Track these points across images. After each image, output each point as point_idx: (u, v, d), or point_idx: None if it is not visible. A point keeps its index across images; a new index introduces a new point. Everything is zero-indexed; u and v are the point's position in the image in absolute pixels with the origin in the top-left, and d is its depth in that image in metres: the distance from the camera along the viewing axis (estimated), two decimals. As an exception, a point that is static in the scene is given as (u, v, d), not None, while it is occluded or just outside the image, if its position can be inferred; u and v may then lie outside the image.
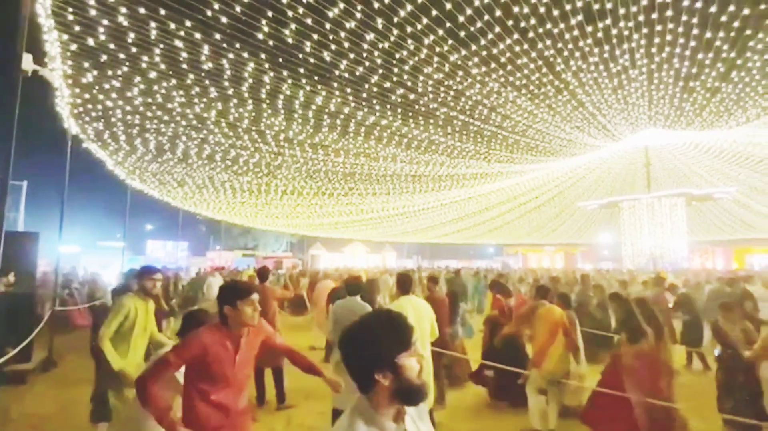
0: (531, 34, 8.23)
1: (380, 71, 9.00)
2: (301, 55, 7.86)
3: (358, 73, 8.85)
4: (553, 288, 5.14)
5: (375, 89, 9.72)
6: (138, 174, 13.50)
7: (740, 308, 3.71)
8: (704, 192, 17.16)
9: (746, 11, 7.40)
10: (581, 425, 3.80)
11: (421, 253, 48.55)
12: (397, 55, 8.46)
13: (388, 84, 9.61)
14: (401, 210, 24.97)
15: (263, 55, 7.58)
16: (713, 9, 7.39)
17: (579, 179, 20.05)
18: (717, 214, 21.41)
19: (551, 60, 9.28)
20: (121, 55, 6.85)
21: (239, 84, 8.44)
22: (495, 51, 8.72)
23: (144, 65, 7.21)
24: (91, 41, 6.30)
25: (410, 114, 11.72)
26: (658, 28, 7.97)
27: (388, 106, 10.93)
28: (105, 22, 6.14)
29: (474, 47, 8.48)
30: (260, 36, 6.98)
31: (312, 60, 8.03)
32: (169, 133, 10.66)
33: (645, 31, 8.13)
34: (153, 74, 7.45)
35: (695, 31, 7.92)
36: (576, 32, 8.25)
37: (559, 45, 8.69)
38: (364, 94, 9.87)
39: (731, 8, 7.31)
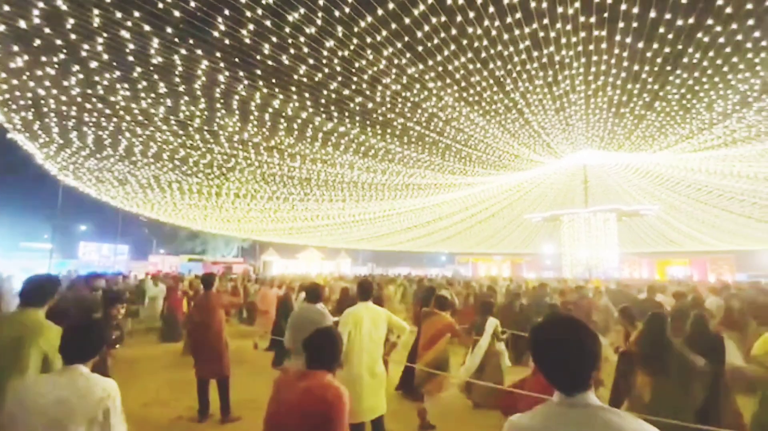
0: (483, 54, 8.71)
1: (339, 79, 9.08)
2: (258, 57, 7.75)
3: (317, 78, 8.86)
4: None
5: (333, 96, 9.78)
6: (72, 170, 12.46)
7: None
8: (632, 209, 18.97)
9: (667, 49, 8.36)
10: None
11: (375, 260, 48.80)
12: (357, 64, 8.58)
13: (347, 92, 9.71)
14: (357, 217, 24.99)
15: (218, 54, 7.38)
16: (640, 45, 8.27)
17: (525, 192, 21.30)
18: (643, 228, 23.85)
19: (501, 80, 9.85)
20: (58, 41, 6.36)
21: (191, 81, 8.13)
22: (450, 67, 9.11)
23: (84, 54, 6.74)
24: (23, 23, 5.81)
25: (368, 123, 11.88)
26: (594, 58, 8.76)
27: (347, 114, 11.03)
28: (40, 4, 5.69)
29: (431, 62, 8.82)
30: (215, 34, 6.81)
31: (270, 62, 7.95)
32: (110, 127, 9.98)
33: (583, 60, 8.90)
34: (94, 64, 6.99)
35: (625, 64, 8.80)
36: (524, 56, 8.85)
37: (509, 66, 9.26)
38: (323, 101, 9.89)
39: (655, 45, 8.23)
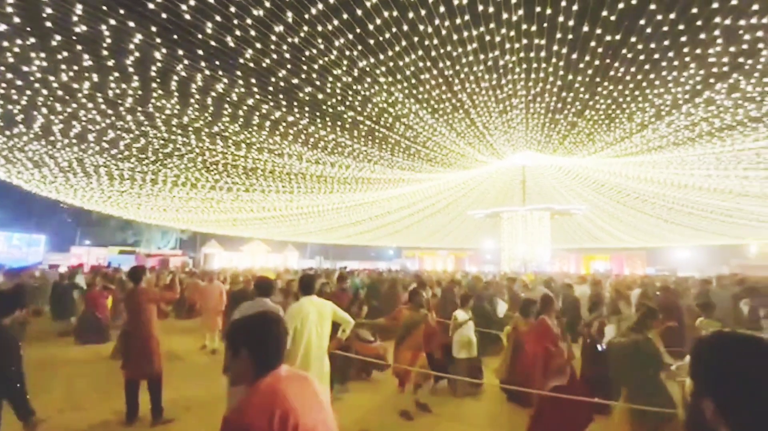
0: (433, 53, 8.91)
1: (288, 66, 8.81)
2: (200, 36, 7.29)
3: (264, 64, 8.53)
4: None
5: (282, 84, 9.47)
6: (-27, 148, 10.91)
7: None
8: (564, 208, 20.61)
9: (597, 62, 9.12)
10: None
11: (323, 254, 48.30)
12: (307, 53, 8.39)
13: (296, 81, 9.45)
14: (305, 210, 24.54)
15: (154, 28, 6.83)
16: (574, 56, 8.94)
17: (470, 190, 22.23)
18: (572, 226, 26.10)
19: (450, 80, 10.15)
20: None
21: (122, 56, 7.45)
22: (401, 63, 9.21)
23: (-10, 15, 5.92)
24: None
25: (318, 114, 11.67)
26: (534, 65, 9.33)
27: (296, 104, 10.74)
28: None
29: (382, 56, 8.85)
30: (151, 6, 6.29)
31: (213, 43, 7.50)
32: (23, 101, 8.86)
33: (525, 66, 9.44)
34: (2, 27, 6.15)
35: (561, 73, 9.46)
36: (471, 58, 9.19)
37: (457, 67, 9.56)
38: (270, 88, 9.54)
39: (587, 57, 8.94)
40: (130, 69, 8.01)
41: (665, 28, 7.74)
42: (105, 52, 7.39)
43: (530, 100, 10.94)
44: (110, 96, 8.98)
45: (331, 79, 9.68)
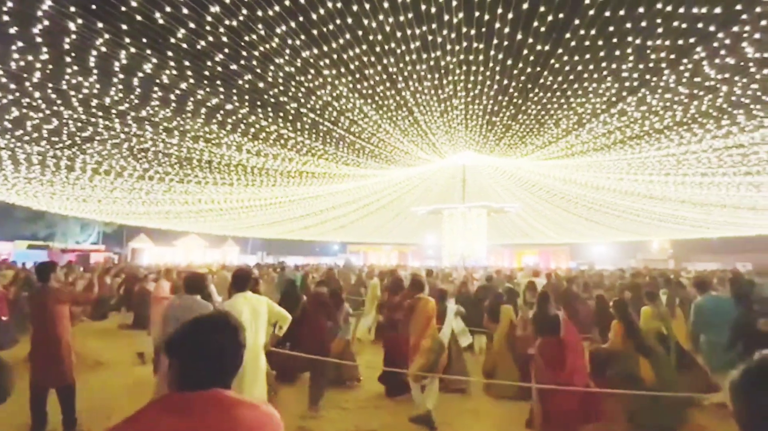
0: (378, 49, 8.96)
1: (226, 51, 8.37)
2: (124, 8, 6.66)
3: (199, 47, 8.02)
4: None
5: (219, 69, 8.98)
6: None
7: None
8: (499, 206, 21.92)
9: (529, 69, 9.77)
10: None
11: (266, 249, 46.68)
12: (246, 38, 8.03)
13: (234, 67, 9.01)
14: (247, 203, 23.57)
15: (67, -4, 6.13)
16: (509, 62, 9.49)
17: (413, 187, 22.78)
18: (506, 223, 27.92)
19: (394, 77, 10.29)
20: None
21: (26, 24, 6.59)
22: (345, 56, 9.16)
23: None
24: None
25: (259, 103, 11.24)
26: (473, 68, 9.76)
27: (234, 91, 10.24)
28: None
29: (326, 48, 8.73)
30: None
31: (139, 18, 6.90)
32: None
33: (464, 68, 9.84)
34: None
35: (497, 77, 10.00)
36: (414, 56, 9.38)
37: (401, 65, 9.71)
38: (206, 73, 9.00)
39: (520, 64, 9.54)
40: (38, 39, 7.11)
41: (587, 43, 8.49)
42: (5, 18, 6.49)
43: (469, 101, 11.44)
44: (12, 68, 7.90)
45: (272, 67, 9.36)
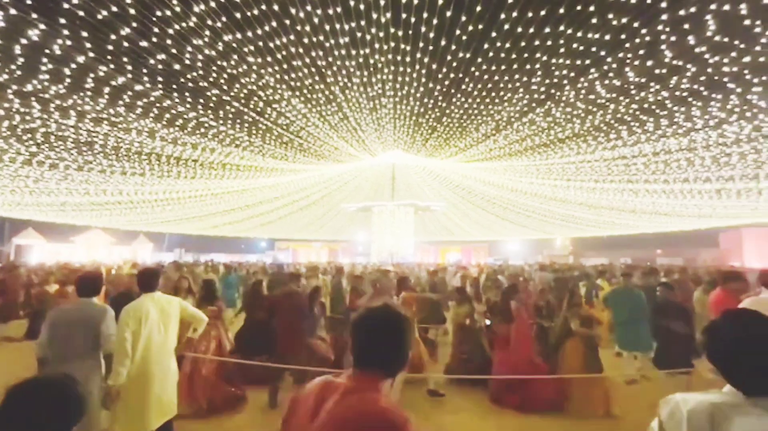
0: (306, 40, 8.80)
1: (134, 25, 7.58)
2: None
3: (100, 16, 7.16)
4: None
5: (126, 45, 8.10)
6: None
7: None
8: (426, 204, 22.86)
9: (452, 75, 10.31)
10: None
11: (185, 245, 43.24)
12: (159, 13, 7.36)
13: (145, 43, 8.20)
14: (162, 196, 21.63)
15: None
16: (434, 66, 9.93)
17: (344, 183, 22.78)
18: (432, 221, 29.27)
19: (323, 71, 10.18)
20: None
21: None
22: (272, 45, 8.84)
23: None
24: None
25: (174, 87, 10.37)
26: (401, 69, 10.04)
27: (145, 71, 9.32)
28: None
29: (250, 34, 8.34)
30: None
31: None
32: None
33: (392, 68, 10.08)
34: None
35: (423, 80, 10.40)
36: (344, 51, 9.38)
37: (330, 59, 9.64)
38: (110, 47, 8.06)
39: (444, 69, 10.03)
40: None
41: (502, 55, 9.21)
42: None
43: (397, 101, 11.74)
44: None
45: (190, 49, 8.69)
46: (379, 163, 19.29)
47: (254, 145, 14.93)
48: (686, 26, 7.43)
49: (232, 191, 22.25)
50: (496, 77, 10.16)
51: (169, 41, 8.17)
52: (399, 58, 9.69)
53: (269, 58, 9.40)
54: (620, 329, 6.21)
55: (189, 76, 9.65)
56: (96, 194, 20.02)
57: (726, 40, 7.61)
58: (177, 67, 9.17)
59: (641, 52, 8.46)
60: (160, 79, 9.69)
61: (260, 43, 8.75)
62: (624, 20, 7.58)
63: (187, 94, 10.60)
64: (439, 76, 10.40)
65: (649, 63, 8.64)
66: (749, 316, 1.24)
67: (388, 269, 12.53)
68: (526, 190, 19.82)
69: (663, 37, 7.79)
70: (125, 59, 8.71)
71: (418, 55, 9.52)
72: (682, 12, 7.16)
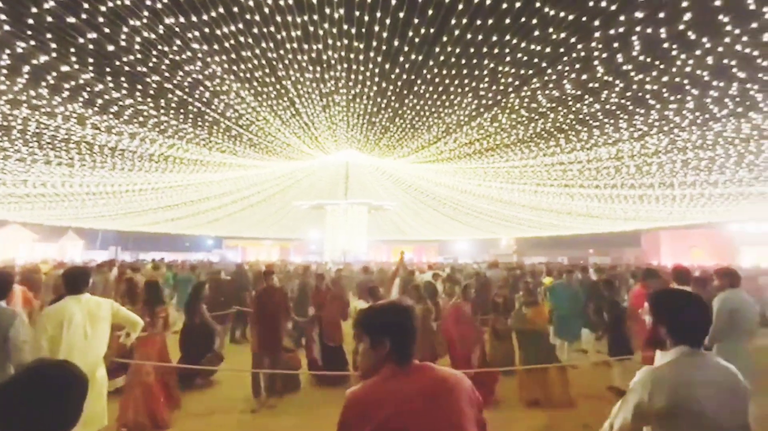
0: (255, 30, 8.49)
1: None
2: None
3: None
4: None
5: (49, 19, 7.34)
6: None
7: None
8: (379, 204, 23.05)
9: (404, 76, 10.45)
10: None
11: (121, 243, 40.12)
12: (89, -12, 6.76)
13: (72, 20, 7.48)
14: (94, 189, 19.91)
15: None
16: (387, 66, 10.01)
17: (296, 181, 22.33)
18: (385, 220, 29.57)
19: (273, 63, 9.89)
20: None
21: None
22: (219, 32, 8.44)
23: None
24: None
25: (108, 70, 9.56)
26: (354, 67, 10.01)
27: (73, 50, 8.50)
28: None
29: (195, 18, 7.90)
30: None
31: None
32: None
33: (345, 65, 10.03)
34: None
35: (376, 79, 10.45)
36: (295, 45, 9.17)
37: (281, 51, 9.38)
38: (29, 21, 7.25)
39: (397, 70, 10.14)
40: None
41: (453, 59, 9.49)
42: None
43: (351, 99, 11.70)
44: None
45: (126, 29, 8.06)
46: (333, 161, 19.13)
47: (200, 137, 14.19)
48: (615, 45, 8.11)
49: (175, 185, 20.99)
50: (447, 81, 10.45)
51: (101, 19, 7.53)
52: (352, 56, 9.65)
53: (216, 46, 8.98)
54: (558, 320, 6.71)
55: (125, 59, 8.95)
56: (14, 185, 18.02)
57: (648, 60, 8.41)
58: (111, 48, 8.47)
59: (577, 66, 9.10)
60: (90, 60, 8.89)
61: (206, 30, 8.32)
62: (563, 35, 8.10)
63: (122, 79, 9.83)
64: (392, 76, 10.49)
65: (584, 77, 9.32)
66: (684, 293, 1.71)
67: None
68: (474, 192, 20.62)
69: (596, 53, 8.43)
70: (49, 36, 7.90)
71: (371, 54, 9.54)
72: (612, 31, 7.80)
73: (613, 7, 7.07)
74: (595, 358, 6.82)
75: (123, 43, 8.40)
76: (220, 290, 8.17)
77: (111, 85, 9.89)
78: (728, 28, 7.24)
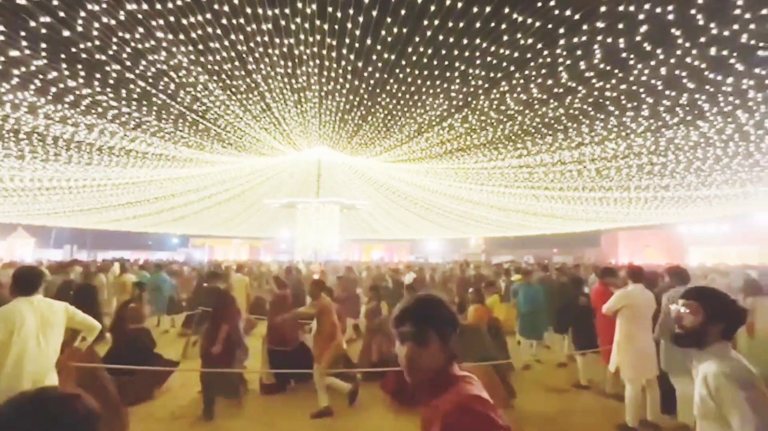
0: (224, 21, 8.26)
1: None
2: None
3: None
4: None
5: (-2, 1, 6.83)
6: None
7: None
8: (351, 202, 22.97)
9: (377, 75, 10.47)
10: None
11: (78, 241, 37.94)
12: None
13: (23, 1, 7.00)
14: (47, 183, 18.72)
15: None
16: (360, 64, 10.00)
17: (267, 178, 21.89)
18: (357, 219, 29.52)
19: (243, 56, 9.66)
20: None
21: None
22: (185, 22, 8.15)
23: None
24: None
25: (63, 57, 9.01)
26: (327, 63, 9.94)
27: (23, 33, 7.95)
28: None
29: (159, 6, 7.59)
30: None
31: None
32: None
33: (318, 62, 9.93)
34: None
35: (349, 77, 10.42)
36: (266, 38, 8.99)
37: (251, 44, 9.17)
38: (-27, -1, 6.72)
39: (369, 68, 10.15)
40: None
41: (425, 60, 9.61)
42: None
43: (323, 96, 11.60)
44: None
45: (83, 14, 7.63)
46: (305, 158, 18.89)
47: (164, 131, 13.64)
48: (578, 52, 8.48)
49: (138, 181, 20.06)
50: (419, 81, 10.56)
51: (55, 2, 7.09)
52: (324, 52, 9.58)
53: (182, 36, 8.65)
54: (521, 319, 6.94)
55: (82, 46, 8.47)
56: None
57: (608, 68, 8.85)
58: (66, 34, 7.99)
59: (543, 71, 9.44)
60: (44, 46, 8.35)
61: (171, 18, 8.01)
62: (530, 41, 8.39)
63: (79, 66, 9.29)
64: (365, 74, 10.49)
65: (550, 82, 9.68)
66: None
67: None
68: (445, 192, 20.96)
69: (560, 60, 8.79)
70: (-7, 15, 7.35)
71: (344, 51, 9.50)
72: (575, 39, 8.15)
73: (577, 17, 7.40)
74: (560, 355, 7.06)
75: (80, 29, 7.95)
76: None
77: (66, 73, 9.33)
78: (680, 41, 7.74)
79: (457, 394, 1.04)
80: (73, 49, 8.69)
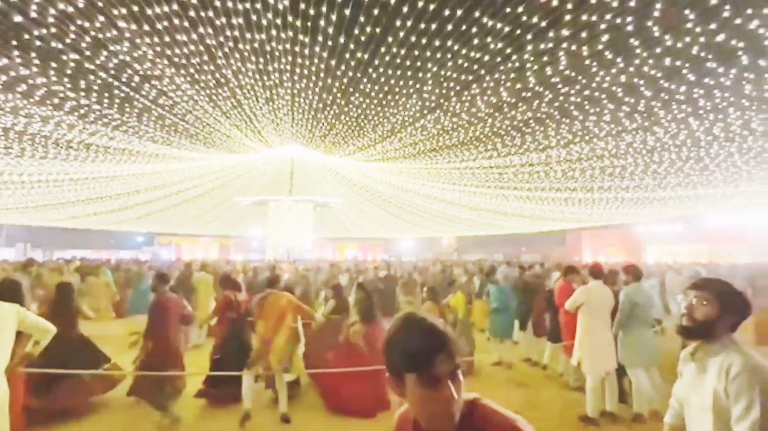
0: (192, 13, 8.00)
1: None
2: None
3: None
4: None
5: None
6: None
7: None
8: (324, 201, 22.80)
9: (350, 74, 10.44)
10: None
11: (32, 240, 35.71)
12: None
13: (-32, -18, 6.53)
14: (-5, 178, 17.55)
15: None
16: (333, 62, 9.94)
17: (238, 176, 21.37)
18: (330, 218, 29.34)
19: (213, 50, 9.38)
20: None
21: None
22: (150, 12, 7.84)
23: None
24: None
25: (15, 44, 8.47)
26: (299, 60, 9.81)
27: (-31, 18, 7.41)
28: None
29: (121, -5, 7.27)
30: None
31: None
32: None
33: (290, 58, 9.79)
34: None
35: (322, 75, 10.33)
36: (237, 33, 8.77)
37: (221, 39, 8.93)
38: None
39: (342, 67, 10.11)
40: None
41: (398, 60, 9.67)
42: None
43: (295, 93, 11.46)
44: None
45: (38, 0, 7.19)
46: (277, 156, 18.58)
47: (128, 125, 13.07)
48: (545, 58, 8.79)
49: (98, 176, 19.11)
50: (392, 81, 10.61)
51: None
52: (297, 49, 9.44)
53: (146, 27, 8.30)
54: (491, 317, 7.20)
55: (36, 33, 7.98)
56: None
57: (573, 74, 9.23)
58: (18, 19, 7.52)
59: (512, 75, 9.72)
60: (-9, 30, 7.81)
61: (134, 8, 7.68)
62: (499, 45, 8.62)
63: (33, 54, 8.76)
64: (338, 73, 10.42)
65: (518, 86, 9.98)
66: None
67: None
68: (418, 191, 21.17)
69: (528, 65, 9.08)
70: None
71: (317, 49, 9.41)
72: (542, 46, 8.44)
73: (543, 24, 7.67)
74: (526, 351, 7.30)
75: (33, 15, 7.49)
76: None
77: (18, 60, 8.77)
78: (638, 51, 8.18)
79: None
80: (26, 36, 8.18)
